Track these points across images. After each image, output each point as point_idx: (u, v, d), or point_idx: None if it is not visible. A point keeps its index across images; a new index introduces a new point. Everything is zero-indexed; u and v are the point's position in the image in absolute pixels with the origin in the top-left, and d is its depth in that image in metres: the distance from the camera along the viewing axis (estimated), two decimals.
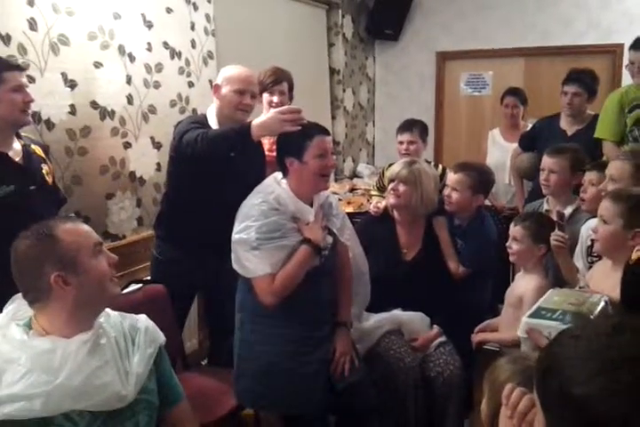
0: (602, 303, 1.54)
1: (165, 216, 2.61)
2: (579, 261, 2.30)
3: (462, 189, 2.62)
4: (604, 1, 4.74)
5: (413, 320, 2.48)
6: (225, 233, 2.08)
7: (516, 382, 1.01)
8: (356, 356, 2.21)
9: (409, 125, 3.32)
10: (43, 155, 2.20)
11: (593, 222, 2.34)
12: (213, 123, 2.43)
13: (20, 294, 1.40)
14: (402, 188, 2.55)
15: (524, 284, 2.27)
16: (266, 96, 3.03)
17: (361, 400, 2.21)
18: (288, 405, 2.11)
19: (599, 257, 2.25)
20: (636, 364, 0.66)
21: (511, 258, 2.35)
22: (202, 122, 2.43)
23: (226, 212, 2.11)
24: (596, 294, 1.67)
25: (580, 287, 1.90)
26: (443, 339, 2.47)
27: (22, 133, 2.17)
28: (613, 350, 0.68)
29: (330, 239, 2.13)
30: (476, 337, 2.37)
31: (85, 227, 1.43)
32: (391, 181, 2.62)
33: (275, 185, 2.07)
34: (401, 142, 3.30)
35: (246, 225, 1.98)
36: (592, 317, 1.32)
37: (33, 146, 2.16)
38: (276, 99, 2.99)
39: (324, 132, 2.09)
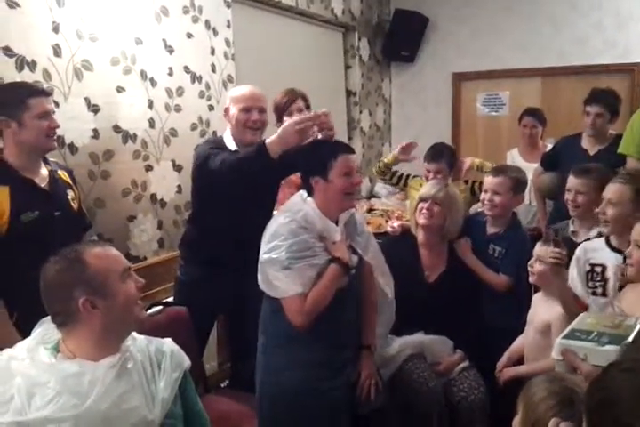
0: (638, 326, 1.51)
1: (189, 237, 2.62)
2: (576, 285, 2.24)
3: (504, 191, 2.64)
4: (619, 21, 4.75)
5: (436, 344, 2.46)
6: (248, 255, 2.08)
7: (552, 403, 0.99)
8: (379, 380, 2.19)
9: (437, 155, 3.19)
10: (69, 180, 2.23)
11: (589, 245, 2.31)
12: (231, 145, 2.45)
13: (47, 318, 1.41)
14: (436, 208, 2.55)
15: (549, 309, 2.22)
16: (286, 119, 3.02)
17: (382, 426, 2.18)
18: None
19: (603, 282, 2.20)
20: None
21: (531, 279, 2.30)
22: (219, 144, 2.45)
23: (249, 234, 2.12)
24: (630, 317, 1.64)
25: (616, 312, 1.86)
26: (466, 364, 2.43)
27: (50, 159, 2.20)
28: None
29: (355, 259, 2.10)
30: (505, 374, 2.28)
31: (115, 251, 1.44)
32: (422, 200, 2.60)
33: (302, 203, 2.05)
34: (428, 171, 3.22)
35: (275, 244, 1.95)
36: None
37: (60, 171, 2.19)
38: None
39: (349, 150, 2.09)
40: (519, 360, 2.33)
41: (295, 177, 2.87)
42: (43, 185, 2.07)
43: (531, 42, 5.03)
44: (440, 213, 2.55)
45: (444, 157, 3.19)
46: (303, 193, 2.09)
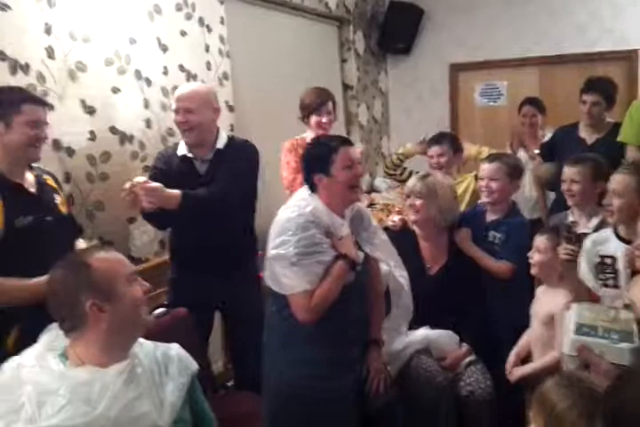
0: (632, 320, 1.50)
1: (170, 240, 2.72)
2: (587, 278, 2.23)
3: (501, 176, 2.63)
4: (616, 8, 4.72)
5: (442, 339, 2.44)
6: (224, 259, 2.24)
7: (579, 410, 0.97)
8: (388, 375, 2.18)
9: (438, 138, 3.30)
10: (55, 185, 2.19)
11: (597, 237, 2.30)
12: (182, 149, 2.54)
13: (54, 324, 1.41)
14: (418, 202, 2.55)
15: (552, 300, 2.21)
16: (314, 118, 3.18)
17: (389, 423, 2.17)
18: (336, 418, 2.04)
19: (614, 273, 2.20)
20: None
21: (532, 270, 2.29)
22: (167, 156, 2.57)
23: (220, 240, 2.29)
24: (621, 309, 1.63)
25: (624, 305, 1.84)
26: (472, 357, 2.42)
27: (33, 164, 2.14)
28: None
29: (362, 255, 2.09)
30: (515, 374, 2.26)
31: (119, 255, 1.45)
32: (407, 196, 2.63)
33: (309, 198, 2.03)
34: (431, 156, 3.27)
35: (283, 240, 1.93)
36: None
37: (45, 176, 2.15)
38: (324, 119, 3.16)
39: (348, 142, 2.08)
40: (528, 355, 2.32)
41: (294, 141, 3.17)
42: (32, 190, 2.04)
43: (527, 31, 4.99)
44: (423, 205, 2.54)
45: (445, 139, 3.27)
46: (307, 189, 2.08)
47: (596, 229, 2.44)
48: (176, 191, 2.33)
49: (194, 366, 1.52)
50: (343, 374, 2.05)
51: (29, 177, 2.07)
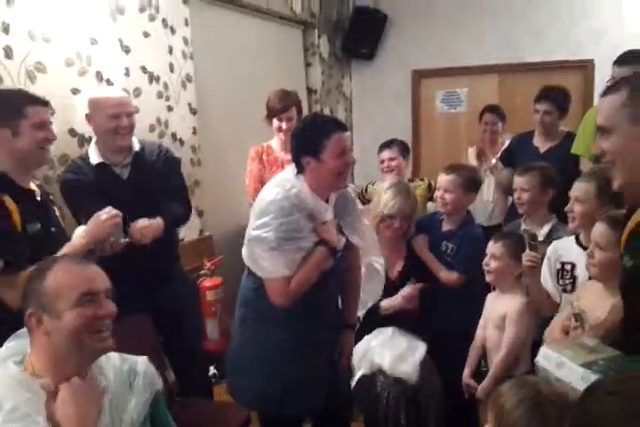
0: (607, 348, 1.55)
1: None
2: (547, 282, 2.30)
3: (455, 188, 2.67)
4: (574, 17, 4.84)
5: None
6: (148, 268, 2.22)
7: (522, 410, 1.00)
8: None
9: (388, 143, 3.46)
10: (51, 197, 2.17)
11: (559, 243, 2.35)
12: (95, 158, 2.43)
13: (23, 330, 1.37)
14: (397, 224, 2.61)
15: (504, 303, 2.28)
16: (275, 122, 3.17)
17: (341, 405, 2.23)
18: (290, 406, 2.04)
19: (572, 279, 2.26)
20: None
21: (488, 277, 2.34)
22: (79, 167, 2.43)
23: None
24: (584, 339, 1.67)
25: (573, 314, 1.90)
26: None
27: None
28: None
29: (343, 240, 2.06)
30: (481, 392, 2.27)
31: (87, 271, 1.34)
32: (389, 217, 2.63)
33: (294, 180, 1.97)
34: (382, 161, 3.39)
35: (264, 222, 1.88)
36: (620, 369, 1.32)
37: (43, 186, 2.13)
38: (284, 125, 3.14)
39: (342, 127, 1.98)
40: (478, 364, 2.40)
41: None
42: (38, 198, 2.00)
43: (488, 38, 5.08)
44: (404, 223, 2.62)
45: (394, 144, 3.45)
46: (293, 169, 2.01)
47: (548, 237, 2.51)
48: (159, 220, 2.35)
49: (159, 382, 1.48)
50: (318, 354, 2.05)
51: (32, 186, 2.04)
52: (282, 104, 3.12)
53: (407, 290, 2.55)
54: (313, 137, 1.94)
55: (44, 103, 2.01)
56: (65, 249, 1.97)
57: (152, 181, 2.50)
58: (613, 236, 1.76)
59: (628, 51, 3.06)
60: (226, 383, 2.17)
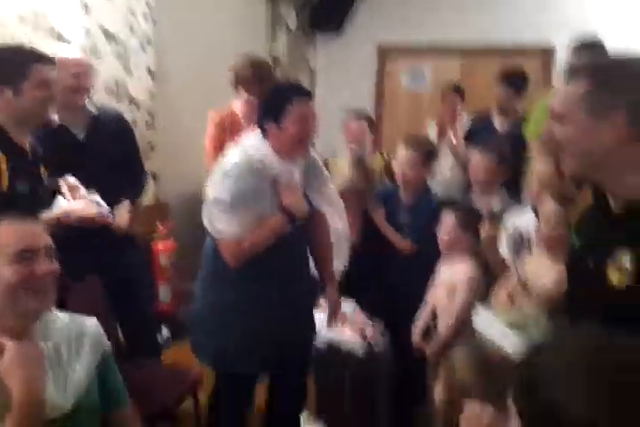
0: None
1: None
2: (504, 251, 2.38)
3: (414, 166, 2.73)
4: (539, 2, 4.90)
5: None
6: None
7: (470, 371, 1.06)
8: None
9: (358, 114, 3.58)
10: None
11: (517, 215, 2.43)
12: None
13: None
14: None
15: (455, 272, 2.37)
16: (243, 93, 2.99)
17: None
18: (242, 363, 2.08)
19: (529, 249, 2.36)
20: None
21: (441, 246, 2.43)
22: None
23: None
24: (525, 307, 1.78)
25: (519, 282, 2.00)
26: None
27: None
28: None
29: (306, 207, 2.06)
30: (430, 352, 2.35)
31: (26, 229, 1.33)
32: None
33: (258, 144, 1.99)
34: (348, 130, 3.48)
35: (223, 184, 1.91)
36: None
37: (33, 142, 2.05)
38: (254, 99, 2.88)
39: (305, 94, 1.99)
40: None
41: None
42: (30, 159, 1.96)
43: (454, 20, 5.10)
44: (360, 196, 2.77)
45: (363, 115, 3.57)
46: (259, 133, 2.01)
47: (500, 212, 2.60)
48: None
49: (106, 343, 1.47)
50: (268, 314, 2.05)
51: (28, 145, 1.99)
52: (255, 78, 2.97)
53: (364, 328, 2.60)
54: (275, 103, 1.95)
55: (49, 61, 1.94)
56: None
57: (107, 145, 2.47)
58: (561, 212, 1.86)
59: (586, 36, 3.12)
60: (189, 341, 2.20)
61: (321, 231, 2.25)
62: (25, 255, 1.29)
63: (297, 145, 1.97)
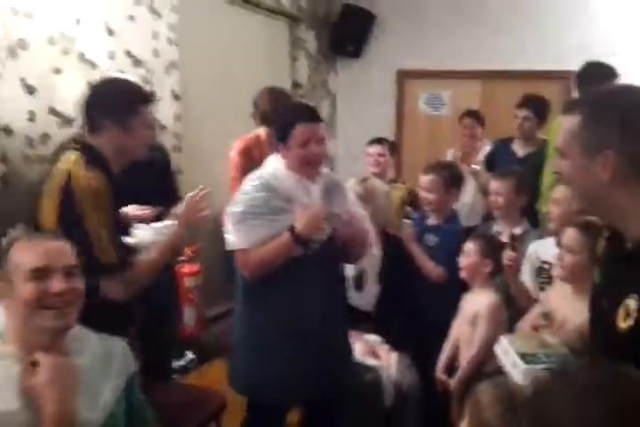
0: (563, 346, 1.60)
1: None
2: (527, 281, 2.35)
3: (435, 188, 2.70)
4: (558, 28, 4.91)
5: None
6: None
7: (497, 409, 1.02)
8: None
9: (379, 139, 3.53)
10: None
11: (539, 244, 2.42)
12: None
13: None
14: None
15: (477, 300, 2.32)
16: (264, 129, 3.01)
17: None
18: (277, 395, 2.03)
19: (549, 278, 2.31)
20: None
21: (461, 273, 2.39)
22: None
23: None
24: (544, 335, 1.72)
25: (542, 313, 1.93)
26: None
27: None
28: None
29: (328, 230, 2.00)
30: (453, 385, 2.30)
31: (43, 247, 1.33)
32: None
33: (275, 161, 2.03)
34: (370, 155, 3.40)
35: (238, 199, 1.98)
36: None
37: None
38: None
39: (312, 118, 1.99)
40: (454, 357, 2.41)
41: None
42: None
43: (473, 44, 5.13)
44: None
45: (384, 141, 3.53)
46: (278, 152, 2.05)
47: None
48: None
49: (134, 365, 1.47)
50: (297, 345, 2.01)
51: None
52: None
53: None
54: (282, 124, 2.00)
55: (153, 100, 1.92)
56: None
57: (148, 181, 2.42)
58: (583, 240, 1.80)
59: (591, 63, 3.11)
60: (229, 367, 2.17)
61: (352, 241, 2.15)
62: (40, 273, 1.30)
63: (305, 166, 1.98)
